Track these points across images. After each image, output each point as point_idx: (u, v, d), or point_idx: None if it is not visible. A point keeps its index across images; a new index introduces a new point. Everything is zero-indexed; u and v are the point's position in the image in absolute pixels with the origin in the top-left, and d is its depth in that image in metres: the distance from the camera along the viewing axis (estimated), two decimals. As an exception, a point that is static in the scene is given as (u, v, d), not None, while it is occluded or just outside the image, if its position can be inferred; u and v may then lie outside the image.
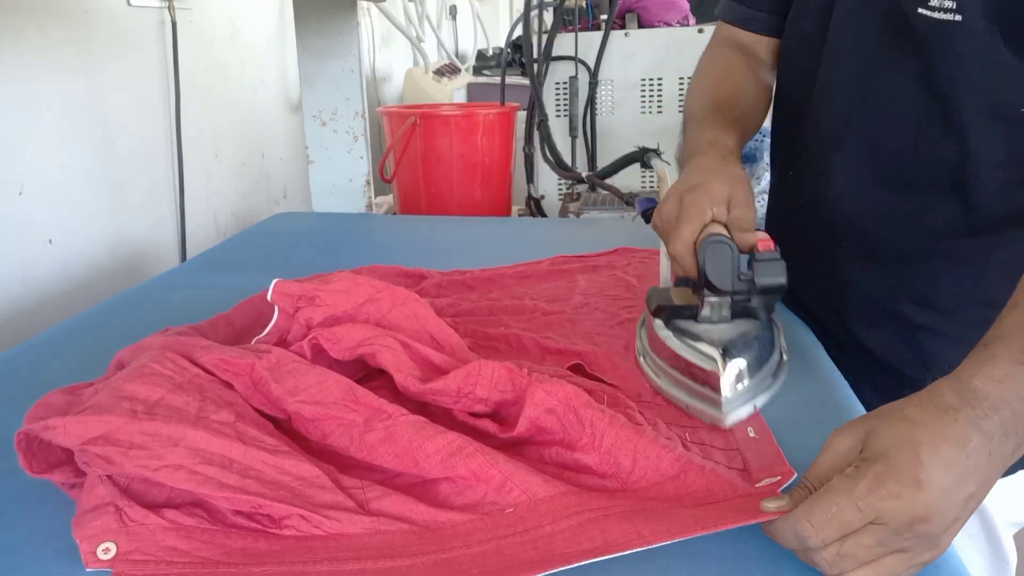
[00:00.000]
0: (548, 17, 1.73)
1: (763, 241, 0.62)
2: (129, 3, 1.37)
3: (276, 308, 0.70)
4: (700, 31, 1.69)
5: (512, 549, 0.47)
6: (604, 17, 1.72)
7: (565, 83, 1.73)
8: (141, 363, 0.58)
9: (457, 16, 3.22)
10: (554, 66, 1.74)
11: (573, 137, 1.74)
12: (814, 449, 0.58)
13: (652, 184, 1.75)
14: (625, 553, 0.46)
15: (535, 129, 1.66)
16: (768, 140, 1.00)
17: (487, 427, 0.59)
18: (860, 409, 0.66)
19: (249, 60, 1.78)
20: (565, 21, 1.74)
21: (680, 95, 1.71)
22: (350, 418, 0.56)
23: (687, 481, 0.52)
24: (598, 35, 1.70)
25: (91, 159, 1.29)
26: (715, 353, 0.61)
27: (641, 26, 1.82)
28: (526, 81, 1.69)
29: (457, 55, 3.15)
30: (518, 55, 2.32)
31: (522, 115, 1.80)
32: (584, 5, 1.91)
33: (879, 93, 0.72)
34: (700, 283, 0.64)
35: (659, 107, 1.73)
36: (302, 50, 1.43)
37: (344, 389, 0.58)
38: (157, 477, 0.49)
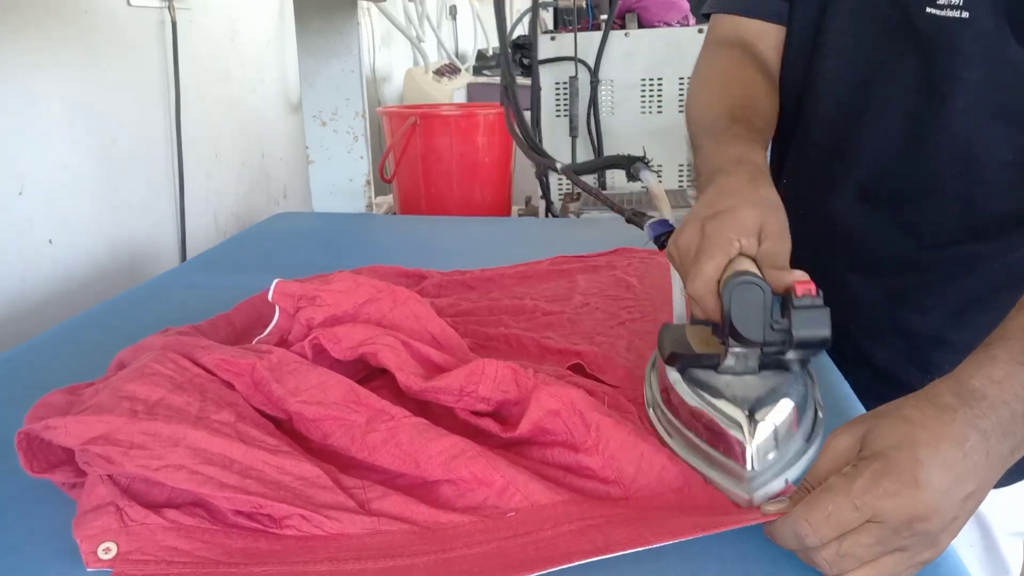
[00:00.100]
0: (548, 17, 1.72)
1: (802, 283, 0.51)
2: (129, 3, 1.37)
3: (277, 308, 0.70)
4: (700, 31, 1.69)
5: (513, 550, 0.47)
6: (604, 17, 1.73)
7: (565, 83, 1.73)
8: (142, 363, 0.58)
9: (457, 16, 3.22)
10: (554, 66, 1.74)
11: (573, 137, 1.74)
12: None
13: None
14: (625, 552, 0.46)
15: (507, 102, 1.33)
16: None
17: (489, 426, 0.59)
18: (860, 410, 0.66)
19: (249, 60, 1.78)
20: (565, 21, 1.74)
21: (680, 95, 1.71)
22: (352, 419, 0.56)
23: (691, 495, 0.52)
24: (598, 35, 1.70)
25: (91, 159, 1.29)
26: (740, 415, 0.51)
27: (641, 26, 1.82)
28: (527, 81, 1.69)
29: (457, 55, 3.15)
30: (519, 55, 2.32)
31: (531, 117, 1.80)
32: (584, 5, 1.91)
33: (878, 98, 0.71)
34: (724, 331, 0.53)
35: (659, 107, 1.73)
36: (302, 50, 1.43)
37: (346, 390, 0.58)
38: (158, 477, 0.49)
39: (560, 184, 1.78)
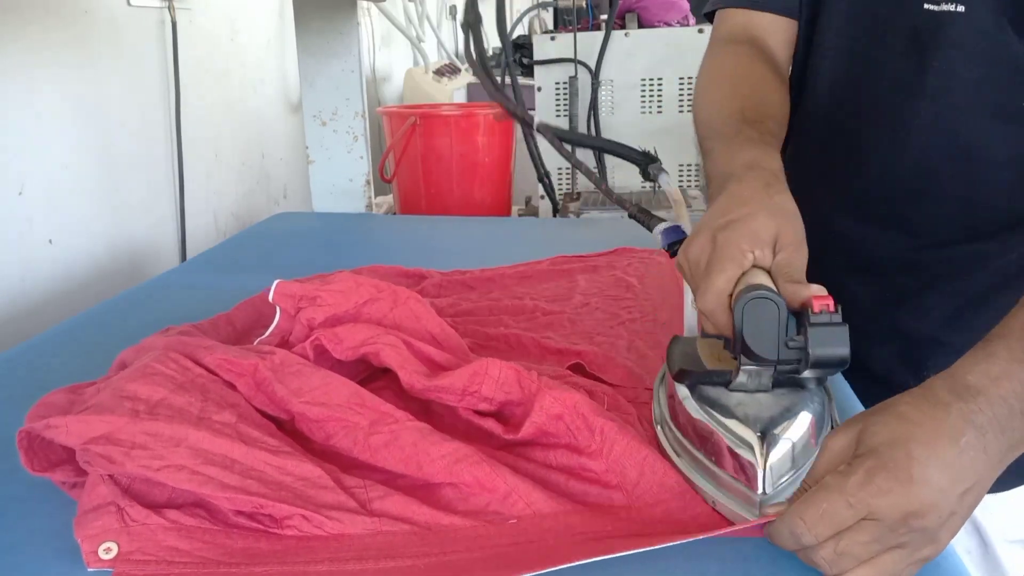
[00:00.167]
0: (548, 17, 1.73)
1: (819, 298, 0.48)
2: (129, 3, 1.36)
3: (278, 309, 0.70)
4: (700, 31, 1.69)
5: (513, 556, 0.47)
6: (604, 17, 1.73)
7: (565, 83, 1.73)
8: (144, 363, 0.58)
9: (457, 16, 3.22)
10: (554, 66, 1.74)
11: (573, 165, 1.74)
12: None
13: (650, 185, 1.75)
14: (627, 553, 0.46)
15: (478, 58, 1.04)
16: None
17: (491, 427, 0.59)
18: (860, 411, 0.66)
19: (249, 60, 1.78)
20: (565, 21, 1.74)
21: (680, 95, 1.71)
22: (354, 420, 0.56)
23: (693, 501, 0.52)
24: (598, 35, 1.70)
25: (91, 159, 1.29)
26: (751, 436, 0.49)
27: (641, 26, 1.83)
28: (528, 81, 1.69)
29: (457, 55, 3.15)
30: (519, 55, 2.32)
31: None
32: (584, 5, 1.91)
33: (874, 96, 0.70)
34: (735, 348, 0.50)
35: (659, 107, 1.73)
36: (302, 50, 1.43)
37: (351, 392, 0.58)
38: (159, 477, 0.49)
39: (560, 184, 1.79)
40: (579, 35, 1.70)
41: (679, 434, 0.55)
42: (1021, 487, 0.71)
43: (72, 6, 1.24)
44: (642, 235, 0.95)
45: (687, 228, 0.66)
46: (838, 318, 0.48)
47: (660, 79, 1.71)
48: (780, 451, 0.48)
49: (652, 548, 0.47)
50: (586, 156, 1.74)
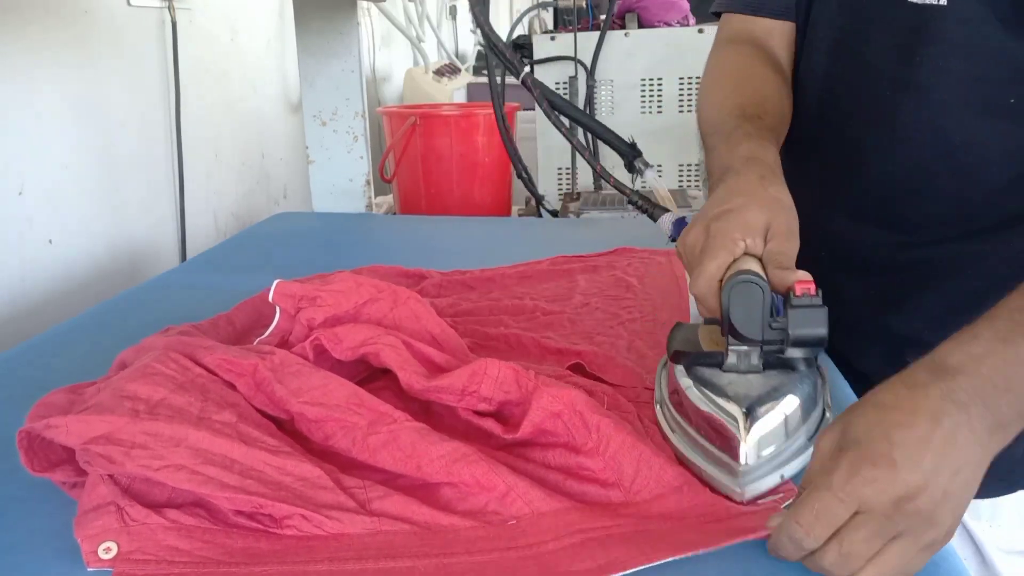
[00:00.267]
0: (548, 17, 1.72)
1: (802, 283, 0.52)
2: (129, 3, 1.37)
3: (277, 309, 0.70)
4: (700, 31, 1.69)
5: (514, 562, 0.47)
6: (604, 17, 1.73)
7: (565, 83, 1.73)
8: (144, 363, 0.58)
9: (457, 16, 3.22)
10: (553, 66, 1.74)
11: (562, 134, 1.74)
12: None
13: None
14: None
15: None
16: None
17: (490, 427, 0.59)
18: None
19: (249, 60, 1.78)
20: (565, 21, 1.74)
21: (680, 95, 1.71)
22: (353, 420, 0.56)
23: (689, 494, 0.52)
24: (598, 35, 1.70)
25: (91, 159, 1.29)
26: (737, 411, 0.52)
27: (641, 26, 1.82)
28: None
29: (457, 55, 3.15)
30: (519, 54, 2.32)
31: (523, 115, 1.80)
32: (584, 5, 1.91)
33: (862, 93, 0.69)
34: (724, 328, 0.54)
35: (659, 107, 1.73)
36: (302, 50, 1.43)
37: (349, 392, 0.58)
38: (158, 477, 0.49)
39: (560, 184, 1.79)
40: (579, 35, 1.70)
41: (675, 411, 0.59)
42: (1012, 494, 0.70)
43: (72, 6, 1.24)
44: (642, 235, 0.95)
45: (688, 218, 0.70)
46: (818, 301, 0.51)
47: (660, 79, 1.71)
48: (762, 426, 0.51)
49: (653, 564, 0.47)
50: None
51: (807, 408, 0.54)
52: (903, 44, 0.64)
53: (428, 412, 0.63)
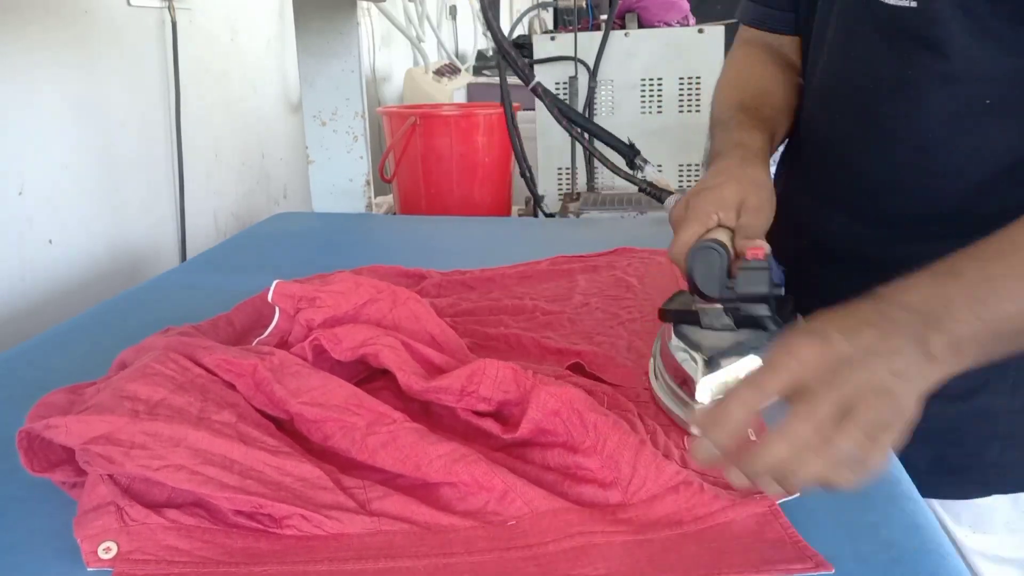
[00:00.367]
0: (548, 17, 1.72)
1: (752, 249, 0.59)
2: (129, 3, 1.37)
3: (277, 309, 0.70)
4: (700, 31, 1.69)
5: (514, 563, 0.47)
6: (604, 17, 1.73)
7: (565, 83, 1.73)
8: (143, 363, 0.58)
9: (457, 16, 3.22)
10: (554, 66, 1.74)
11: (573, 137, 1.74)
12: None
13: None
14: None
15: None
16: None
17: (490, 427, 0.59)
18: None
19: (249, 60, 1.78)
20: (565, 21, 1.74)
21: (680, 95, 1.71)
22: (352, 421, 0.56)
23: (687, 494, 0.52)
24: (598, 35, 1.70)
25: (91, 159, 1.29)
26: (699, 358, 0.60)
27: (641, 26, 1.83)
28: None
29: (457, 55, 3.15)
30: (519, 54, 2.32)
31: (523, 115, 1.80)
32: (584, 5, 1.91)
33: (847, 91, 0.71)
34: (690, 288, 0.62)
35: (659, 107, 1.73)
36: (302, 50, 1.43)
37: (348, 393, 0.58)
38: (158, 477, 0.49)
39: (560, 184, 1.79)
40: (579, 35, 1.70)
41: (661, 364, 0.67)
42: (991, 500, 0.69)
43: (72, 6, 1.24)
44: (642, 235, 0.97)
45: None
46: (764, 264, 0.58)
47: (660, 79, 1.71)
48: (720, 371, 0.59)
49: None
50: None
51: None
52: (884, 45, 0.65)
53: (427, 412, 0.63)
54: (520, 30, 2.39)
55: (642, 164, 0.87)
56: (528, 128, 1.83)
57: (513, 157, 1.78)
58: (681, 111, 1.71)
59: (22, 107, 1.15)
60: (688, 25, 1.90)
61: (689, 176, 1.77)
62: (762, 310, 0.60)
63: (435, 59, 2.79)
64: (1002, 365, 0.62)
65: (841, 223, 0.74)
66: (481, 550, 0.48)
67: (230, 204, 1.70)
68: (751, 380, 0.45)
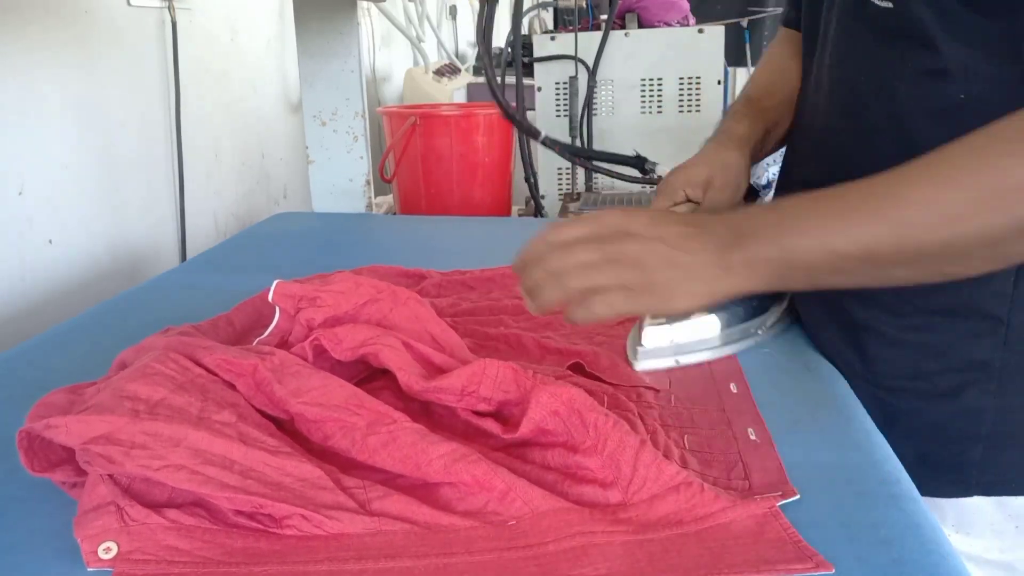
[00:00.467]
0: (548, 17, 1.72)
1: None
2: (129, 3, 1.37)
3: (277, 309, 0.70)
4: (700, 31, 1.69)
5: (514, 563, 0.47)
6: (604, 17, 1.72)
7: (565, 83, 1.73)
8: (143, 363, 0.58)
9: (457, 16, 3.22)
10: (554, 66, 1.74)
11: (573, 137, 1.74)
12: (811, 448, 0.59)
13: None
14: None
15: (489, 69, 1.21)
16: None
17: (490, 427, 0.59)
18: (860, 410, 0.66)
19: (249, 60, 1.78)
20: (565, 21, 1.73)
21: (680, 95, 1.71)
22: (352, 421, 0.56)
23: (687, 494, 0.52)
24: (598, 35, 1.70)
25: (91, 159, 1.29)
26: (649, 315, 0.73)
27: (641, 26, 1.82)
28: (527, 80, 1.69)
29: (457, 55, 3.15)
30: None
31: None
32: (584, 5, 1.91)
33: (828, 86, 0.71)
34: None
35: (659, 107, 1.73)
36: (302, 50, 1.43)
37: (348, 393, 0.58)
38: (158, 477, 0.49)
39: (560, 184, 1.79)
40: (579, 35, 1.70)
41: (637, 328, 0.75)
42: (974, 501, 0.69)
43: (72, 6, 1.24)
44: None
45: None
46: None
47: (660, 79, 1.71)
48: (666, 323, 0.71)
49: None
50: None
51: (723, 320, 0.73)
52: (875, 43, 0.66)
53: (427, 412, 0.63)
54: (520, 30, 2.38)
55: (652, 167, 0.95)
56: (528, 128, 1.83)
57: (515, 159, 1.79)
58: (681, 111, 1.71)
59: (22, 107, 1.15)
60: (688, 25, 1.90)
61: (689, 176, 1.77)
62: None
63: (435, 59, 2.79)
64: (988, 366, 0.63)
65: None
66: (481, 550, 0.48)
67: (230, 204, 1.70)
68: (557, 223, 0.57)
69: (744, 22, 2.77)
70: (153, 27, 1.44)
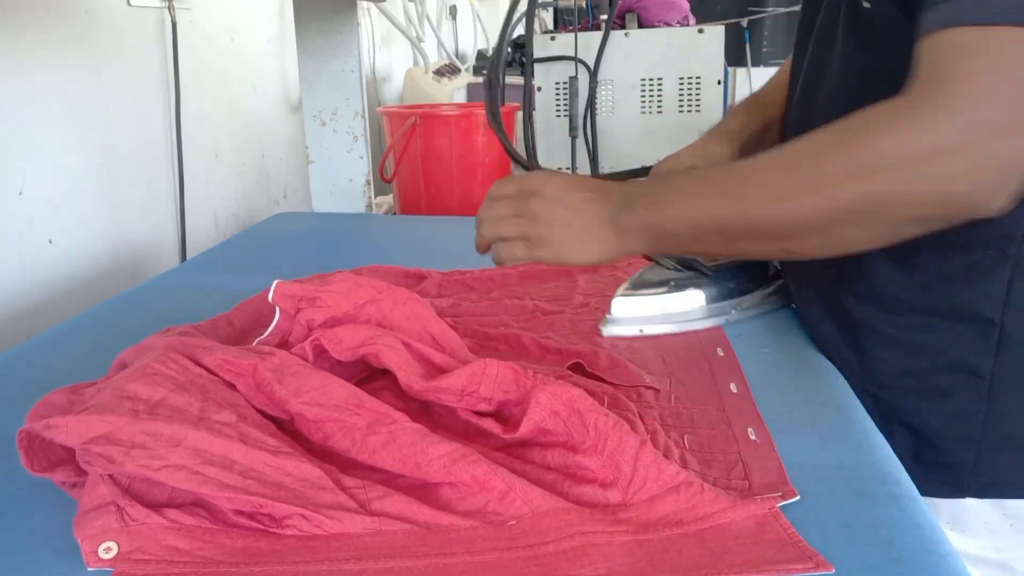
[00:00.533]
0: (548, 17, 1.72)
1: None
2: (129, 3, 1.37)
3: (277, 309, 0.70)
4: (700, 31, 1.69)
5: (514, 563, 0.47)
6: (604, 17, 1.72)
7: (565, 83, 1.73)
8: (144, 363, 0.58)
9: (457, 16, 3.22)
10: (554, 66, 1.74)
11: (573, 137, 1.74)
12: (811, 448, 0.59)
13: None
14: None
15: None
16: None
17: (490, 427, 0.59)
18: (860, 410, 0.66)
19: (249, 60, 1.78)
20: (565, 21, 1.74)
21: (680, 95, 1.71)
22: (352, 421, 0.56)
23: (687, 494, 0.52)
24: (598, 35, 1.70)
25: (91, 159, 1.29)
26: (626, 283, 0.81)
27: (641, 26, 1.82)
28: (522, 80, 1.69)
29: (457, 55, 3.15)
30: (518, 55, 2.32)
31: (522, 115, 1.80)
32: (584, 5, 1.91)
33: (820, 82, 0.71)
34: None
35: (659, 107, 1.73)
36: (302, 50, 1.43)
37: (349, 393, 0.58)
38: (158, 477, 0.49)
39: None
40: (579, 35, 1.70)
41: None
42: (967, 502, 0.69)
43: (72, 6, 1.24)
44: None
45: None
46: None
47: (660, 79, 1.71)
48: (634, 296, 0.80)
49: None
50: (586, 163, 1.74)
51: (705, 299, 0.81)
52: (854, 38, 0.66)
53: (428, 412, 0.63)
54: (520, 30, 2.39)
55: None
56: (528, 128, 1.83)
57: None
58: (681, 111, 1.71)
59: (22, 107, 1.15)
60: (688, 25, 1.90)
61: (689, 176, 1.77)
62: (698, 261, 0.80)
63: (435, 59, 2.79)
64: (979, 369, 0.64)
65: None
66: (481, 550, 0.48)
67: (230, 204, 1.70)
68: (499, 181, 0.67)
69: (744, 22, 2.77)
70: (153, 27, 1.44)
